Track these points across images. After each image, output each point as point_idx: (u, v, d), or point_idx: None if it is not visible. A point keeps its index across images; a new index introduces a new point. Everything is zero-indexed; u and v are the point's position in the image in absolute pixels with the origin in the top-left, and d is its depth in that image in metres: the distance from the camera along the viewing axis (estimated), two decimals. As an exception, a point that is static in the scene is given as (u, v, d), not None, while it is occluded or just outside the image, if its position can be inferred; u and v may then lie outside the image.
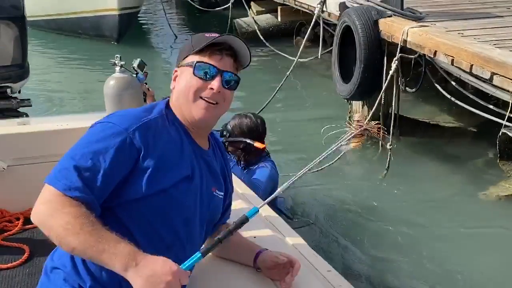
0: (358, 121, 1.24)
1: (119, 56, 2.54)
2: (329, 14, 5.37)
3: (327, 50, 6.24)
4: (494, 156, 4.67)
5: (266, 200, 1.47)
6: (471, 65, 3.40)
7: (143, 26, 10.72)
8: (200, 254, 1.36)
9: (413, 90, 4.59)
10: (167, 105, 1.54)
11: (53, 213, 1.30)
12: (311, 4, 5.81)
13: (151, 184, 1.40)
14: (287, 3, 6.95)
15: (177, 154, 1.47)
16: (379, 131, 1.75)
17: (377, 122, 1.32)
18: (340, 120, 5.44)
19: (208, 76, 1.47)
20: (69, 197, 1.31)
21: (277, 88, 5.89)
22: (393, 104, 4.61)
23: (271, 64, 7.80)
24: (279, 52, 7.50)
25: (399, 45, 4.22)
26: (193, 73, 1.47)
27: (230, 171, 1.70)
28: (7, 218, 2.58)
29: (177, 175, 1.45)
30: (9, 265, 2.24)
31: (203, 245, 1.56)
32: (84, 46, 9.10)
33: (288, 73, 5.91)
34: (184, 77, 1.49)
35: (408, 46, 4.16)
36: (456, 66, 3.61)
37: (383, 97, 4.53)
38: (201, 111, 1.48)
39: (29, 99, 4.48)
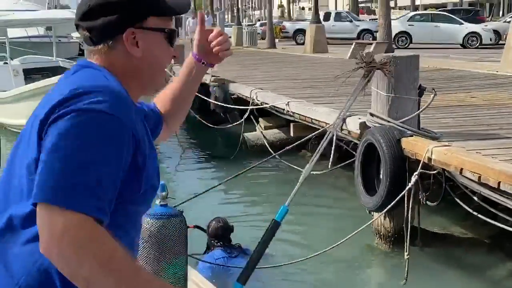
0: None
1: None
2: (349, 132, 5.82)
3: (340, 165, 6.65)
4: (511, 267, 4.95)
5: None
6: (499, 182, 3.76)
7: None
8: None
9: (434, 204, 4.93)
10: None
11: (85, 245, 1.09)
12: (328, 121, 6.28)
13: (146, 180, 1.26)
14: (300, 120, 7.45)
15: (146, 131, 1.33)
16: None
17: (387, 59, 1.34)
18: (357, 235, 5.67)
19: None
20: (97, 219, 1.11)
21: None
22: (409, 215, 4.91)
23: (280, 175, 8.18)
24: (288, 164, 7.90)
25: (421, 162, 4.62)
26: (171, 43, 1.35)
27: None
28: None
29: (155, 159, 1.33)
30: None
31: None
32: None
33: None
34: (157, 45, 1.32)
35: (432, 163, 4.56)
36: (483, 183, 3.98)
37: (405, 209, 4.86)
38: (162, 80, 1.40)
39: None
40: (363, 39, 24.27)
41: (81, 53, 25.43)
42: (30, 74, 12.02)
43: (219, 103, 9.82)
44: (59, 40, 18.68)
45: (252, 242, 5.19)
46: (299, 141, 7.19)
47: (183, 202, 5.06)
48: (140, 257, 2.50)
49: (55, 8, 28.39)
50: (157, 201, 3.20)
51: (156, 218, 2.95)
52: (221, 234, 4.47)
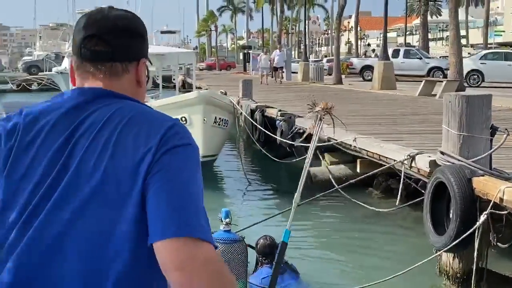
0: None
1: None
2: (418, 170, 5.78)
3: (408, 203, 6.59)
4: None
5: None
6: None
7: (217, 170, 11.39)
8: None
9: (505, 245, 4.79)
10: None
11: (224, 273, 1.17)
12: (396, 158, 6.26)
13: None
14: (367, 157, 7.45)
15: None
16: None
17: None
18: (423, 275, 5.57)
19: None
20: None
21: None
22: (475, 257, 4.78)
23: (345, 212, 8.14)
24: (354, 200, 7.85)
25: (491, 202, 4.52)
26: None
27: None
28: None
29: None
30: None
31: None
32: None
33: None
34: (145, 81, 1.38)
35: (504, 204, 4.46)
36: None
37: (475, 250, 4.75)
38: None
39: None
40: (433, 77, 23.94)
41: (153, 86, 26.37)
42: None
43: (284, 140, 9.96)
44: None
45: (303, 268, 5.32)
46: (363, 176, 7.19)
47: (243, 229, 5.19)
48: None
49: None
50: (221, 227, 3.33)
51: (220, 242, 3.09)
52: (268, 251, 4.60)
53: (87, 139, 1.20)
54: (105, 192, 1.16)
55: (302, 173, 2.82)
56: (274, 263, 3.02)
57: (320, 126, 1.95)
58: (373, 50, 43.58)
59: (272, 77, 25.52)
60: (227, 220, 3.47)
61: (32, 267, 1.16)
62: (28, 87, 36.12)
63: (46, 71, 35.67)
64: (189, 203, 1.15)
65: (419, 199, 5.95)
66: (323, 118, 2.09)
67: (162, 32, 52.37)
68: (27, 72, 41.08)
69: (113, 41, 1.29)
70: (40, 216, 1.16)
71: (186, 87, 25.62)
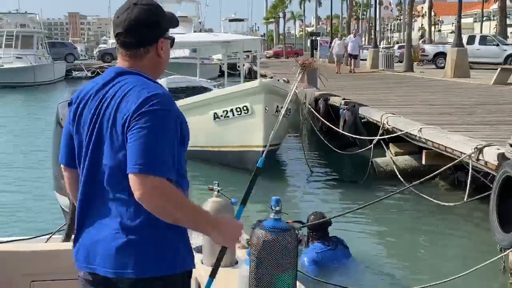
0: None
1: (217, 182, 2.96)
2: (486, 163, 5.48)
3: (475, 198, 6.25)
4: None
5: None
6: None
7: (279, 160, 11.31)
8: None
9: None
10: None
11: (166, 195, 1.74)
12: (463, 151, 5.96)
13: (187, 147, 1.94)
14: (433, 148, 7.14)
15: None
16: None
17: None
18: (487, 272, 5.28)
19: None
20: (168, 179, 1.75)
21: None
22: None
23: (410, 204, 7.87)
24: (419, 193, 7.55)
25: None
26: (171, 46, 1.97)
27: None
28: None
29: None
30: None
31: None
32: (226, 176, 9.65)
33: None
34: (168, 49, 1.94)
35: None
36: None
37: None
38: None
39: None
40: (510, 64, 22.72)
41: (220, 74, 26.59)
42: (175, 93, 12.75)
43: (346, 133, 9.71)
44: (202, 62, 19.49)
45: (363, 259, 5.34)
46: (434, 173, 6.81)
47: (304, 226, 5.07)
48: (253, 269, 2.66)
49: (200, 31, 29.99)
50: (271, 215, 3.27)
51: (269, 231, 3.04)
52: (319, 226, 4.89)
53: (106, 107, 1.83)
54: (113, 142, 1.81)
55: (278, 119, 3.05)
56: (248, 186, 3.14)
57: (299, 77, 2.78)
58: (422, 36, 41.15)
59: (347, 64, 24.33)
60: (277, 208, 3.42)
61: (91, 180, 1.89)
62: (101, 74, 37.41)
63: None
64: (146, 151, 1.73)
65: (486, 193, 5.64)
66: (302, 71, 2.85)
67: (231, 20, 52.58)
68: (102, 59, 42.42)
69: (135, 34, 1.87)
70: (88, 154, 1.87)
71: (252, 75, 25.64)
